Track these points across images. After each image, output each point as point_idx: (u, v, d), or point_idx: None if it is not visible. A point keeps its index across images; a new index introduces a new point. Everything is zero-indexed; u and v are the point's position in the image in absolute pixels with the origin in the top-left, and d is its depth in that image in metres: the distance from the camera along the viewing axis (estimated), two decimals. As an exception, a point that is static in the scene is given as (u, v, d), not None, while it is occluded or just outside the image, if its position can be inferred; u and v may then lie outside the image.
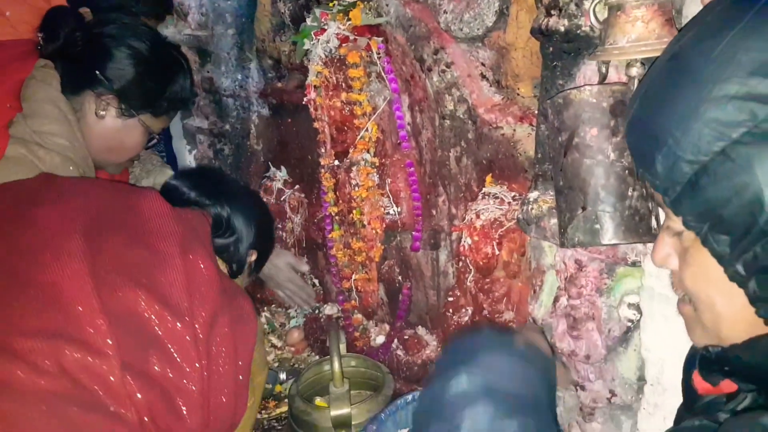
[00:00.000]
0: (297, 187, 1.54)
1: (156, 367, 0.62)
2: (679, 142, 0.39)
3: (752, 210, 0.37)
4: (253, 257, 1.02)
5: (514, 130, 1.05)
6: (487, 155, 1.10)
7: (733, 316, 0.42)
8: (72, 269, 0.61)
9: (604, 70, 0.64)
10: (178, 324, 0.64)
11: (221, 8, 1.57)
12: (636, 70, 0.58)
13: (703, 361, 0.46)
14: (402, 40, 1.16)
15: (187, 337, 0.64)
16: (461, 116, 1.12)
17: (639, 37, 0.54)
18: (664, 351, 0.70)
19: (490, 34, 1.03)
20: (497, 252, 1.03)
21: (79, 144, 1.00)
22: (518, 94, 1.05)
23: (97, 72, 1.02)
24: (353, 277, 1.28)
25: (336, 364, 1.04)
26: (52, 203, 0.69)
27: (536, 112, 1.03)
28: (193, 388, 0.63)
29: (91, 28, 1.04)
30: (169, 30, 1.67)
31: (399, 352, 1.27)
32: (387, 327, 1.32)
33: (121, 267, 0.65)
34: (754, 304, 0.40)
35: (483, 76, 1.08)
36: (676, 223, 0.43)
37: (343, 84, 1.19)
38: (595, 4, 0.63)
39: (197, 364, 0.65)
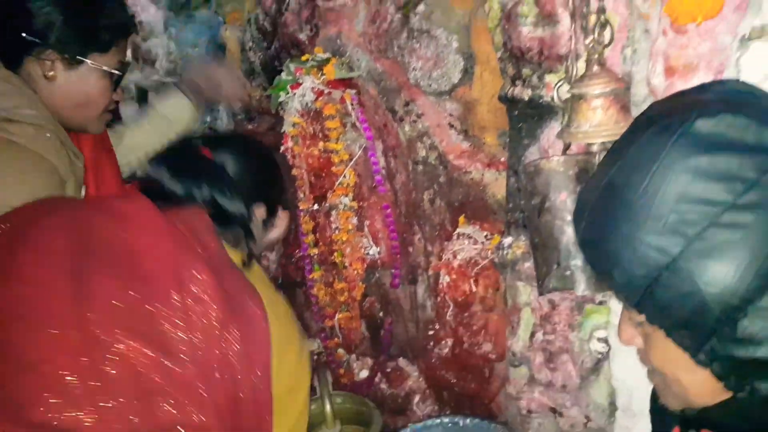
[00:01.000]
0: (272, 226, 1.59)
1: (162, 413, 0.60)
2: (630, 262, 0.46)
3: (702, 313, 0.45)
4: (262, 211, 0.91)
5: (483, 174, 1.15)
6: (458, 197, 1.19)
7: (698, 387, 0.49)
8: (59, 337, 0.58)
9: (568, 142, 0.73)
10: (179, 370, 0.62)
11: (189, 56, 1.60)
12: (597, 147, 0.67)
13: (683, 421, 0.55)
14: (374, 92, 1.24)
15: (197, 382, 0.63)
16: (433, 162, 1.21)
17: (600, 123, 0.64)
18: (632, 380, 0.80)
19: (457, 89, 1.12)
20: (474, 288, 1.12)
21: (45, 112, 0.96)
22: (484, 143, 1.14)
23: (24, 34, 0.95)
24: (336, 316, 1.33)
25: (327, 406, 1.09)
26: (34, 242, 0.65)
27: (502, 159, 1.12)
28: (203, 419, 0.62)
29: None
30: (135, 75, 1.70)
31: (383, 385, 1.33)
32: (370, 361, 1.38)
33: (115, 317, 0.62)
34: (720, 380, 0.48)
35: (451, 126, 1.17)
36: (639, 315, 0.49)
37: (320, 134, 1.26)
38: (559, 87, 0.72)
39: (210, 400, 0.63)
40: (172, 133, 1.35)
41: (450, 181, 1.19)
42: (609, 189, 0.48)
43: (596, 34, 0.64)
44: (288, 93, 1.25)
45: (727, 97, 0.47)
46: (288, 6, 1.35)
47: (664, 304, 0.46)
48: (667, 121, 0.46)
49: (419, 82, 1.14)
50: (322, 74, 1.22)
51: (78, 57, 0.99)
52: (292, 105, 1.25)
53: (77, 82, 1.00)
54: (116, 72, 1.04)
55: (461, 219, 1.18)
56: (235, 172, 0.88)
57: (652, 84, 0.68)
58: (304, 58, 1.26)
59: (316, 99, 1.23)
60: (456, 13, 1.06)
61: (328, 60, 1.22)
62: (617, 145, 0.51)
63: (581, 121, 0.65)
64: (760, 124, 0.44)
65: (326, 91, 1.22)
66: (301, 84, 1.23)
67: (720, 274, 0.43)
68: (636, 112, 0.75)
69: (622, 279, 0.48)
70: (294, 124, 1.26)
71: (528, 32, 0.82)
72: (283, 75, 1.27)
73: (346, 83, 1.23)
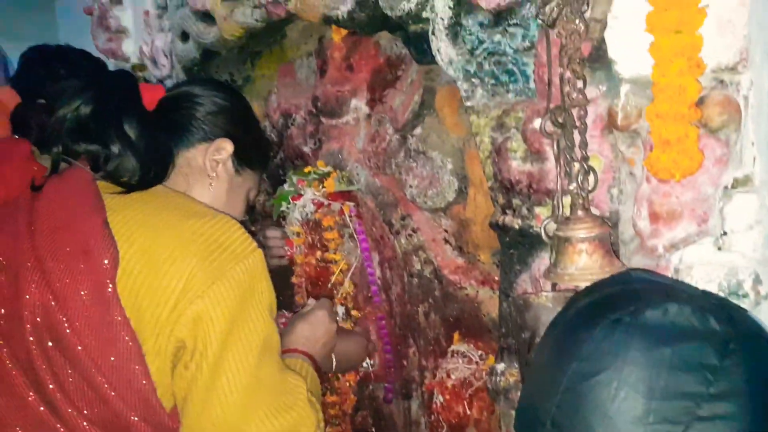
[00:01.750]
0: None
1: None
2: None
3: None
4: (227, 148, 0.88)
5: (477, 291, 1.14)
6: (453, 313, 1.18)
7: None
8: None
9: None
10: None
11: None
12: (584, 283, 0.68)
13: None
14: (371, 205, 1.27)
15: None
16: (428, 275, 1.21)
17: (584, 266, 0.65)
18: None
19: (452, 207, 1.15)
20: (468, 411, 1.08)
21: None
22: (479, 260, 1.15)
23: None
24: (327, 430, 1.28)
25: None
26: None
27: (496, 278, 1.13)
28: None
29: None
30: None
31: None
32: (360, 480, 1.31)
33: None
34: None
35: (446, 241, 1.19)
36: None
37: (318, 244, 1.28)
38: (546, 225, 0.74)
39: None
40: None
41: (445, 296, 1.19)
42: (572, 393, 0.47)
43: (579, 181, 0.67)
44: (289, 204, 1.28)
45: (657, 286, 0.48)
46: (294, 121, 1.42)
47: None
48: (614, 316, 0.46)
49: (415, 198, 1.17)
50: (323, 186, 1.26)
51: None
52: (292, 215, 1.28)
53: None
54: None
55: (456, 336, 1.16)
56: (199, 96, 0.92)
57: (638, 227, 0.70)
58: (306, 170, 1.31)
59: (316, 210, 1.26)
60: (450, 138, 1.11)
61: (329, 173, 1.27)
62: (557, 344, 0.51)
63: (567, 263, 0.66)
64: (700, 310, 0.45)
65: (326, 203, 1.25)
66: (302, 195, 1.27)
67: None
68: (624, 250, 0.77)
69: None
70: (297, 234, 1.29)
71: (517, 166, 0.85)
72: (286, 186, 1.31)
73: (345, 196, 1.27)
